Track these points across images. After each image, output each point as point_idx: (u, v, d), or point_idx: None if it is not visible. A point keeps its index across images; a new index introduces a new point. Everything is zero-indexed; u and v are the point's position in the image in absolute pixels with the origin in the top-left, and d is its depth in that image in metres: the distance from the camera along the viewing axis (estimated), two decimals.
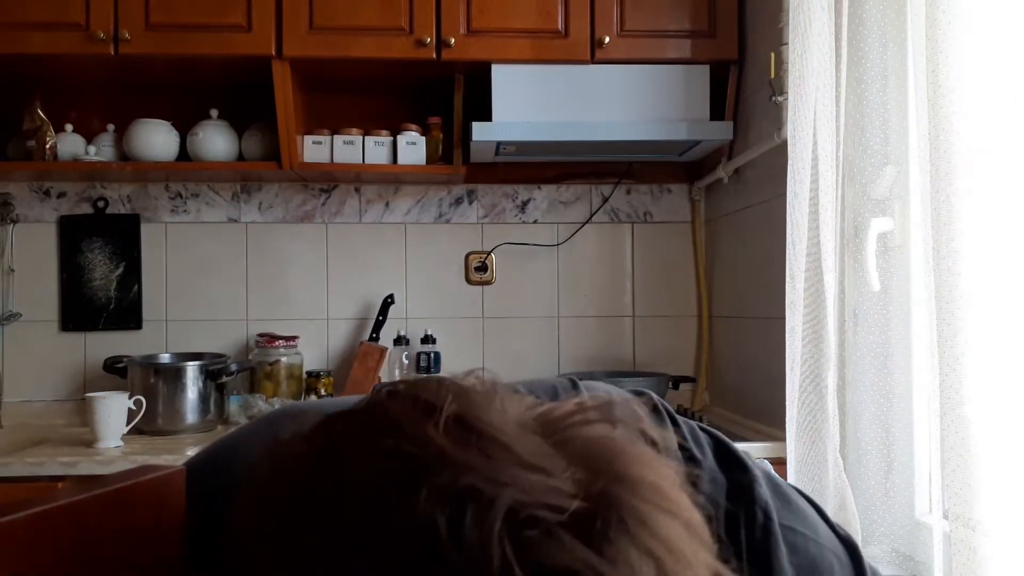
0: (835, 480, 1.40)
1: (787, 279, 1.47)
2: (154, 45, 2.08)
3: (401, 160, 2.27)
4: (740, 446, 1.66)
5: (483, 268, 2.51)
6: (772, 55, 1.86)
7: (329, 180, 2.46)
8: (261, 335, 2.39)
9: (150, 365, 2.20)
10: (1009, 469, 1.00)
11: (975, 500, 1.02)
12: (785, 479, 1.52)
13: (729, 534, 0.60)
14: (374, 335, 2.41)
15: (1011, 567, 1.00)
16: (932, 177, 1.10)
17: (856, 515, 1.37)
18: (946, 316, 1.07)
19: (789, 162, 1.49)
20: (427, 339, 2.42)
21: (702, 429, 0.67)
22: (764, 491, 0.63)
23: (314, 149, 2.27)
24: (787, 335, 1.46)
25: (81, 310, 2.42)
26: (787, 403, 1.47)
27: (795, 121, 1.46)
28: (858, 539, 1.37)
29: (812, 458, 1.43)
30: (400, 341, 2.43)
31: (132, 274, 2.43)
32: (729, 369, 2.36)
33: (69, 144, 2.28)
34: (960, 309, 1.05)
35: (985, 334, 1.03)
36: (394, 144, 2.28)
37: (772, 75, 1.85)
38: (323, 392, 2.34)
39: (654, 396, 0.66)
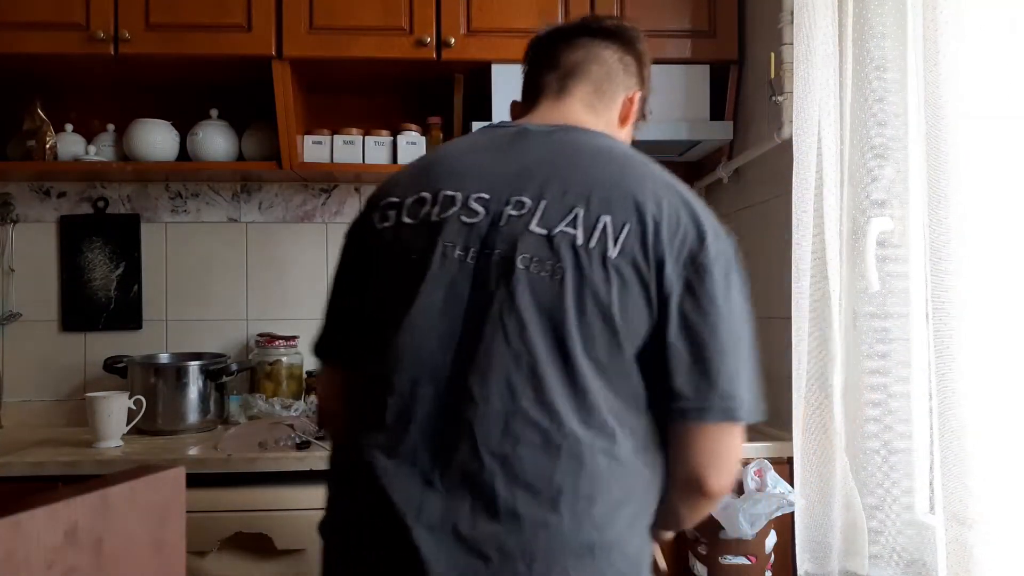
0: (842, 480, 1.40)
1: (793, 279, 1.47)
2: (154, 45, 2.08)
3: (401, 160, 2.27)
4: (743, 446, 1.65)
5: None
6: (772, 55, 1.85)
7: (329, 180, 2.46)
8: (261, 335, 2.39)
9: (150, 365, 2.20)
10: (1004, 467, 1.00)
11: (970, 498, 1.02)
12: (791, 480, 1.52)
13: None
14: None
15: (1005, 563, 1.00)
16: (930, 177, 1.10)
17: (863, 515, 1.37)
18: (943, 316, 1.07)
19: (795, 161, 1.49)
20: None
21: None
22: None
23: (314, 149, 2.27)
24: (793, 335, 1.46)
25: (81, 310, 2.42)
26: (793, 403, 1.47)
27: (800, 120, 1.46)
28: (865, 538, 1.37)
29: (820, 457, 1.43)
30: None
31: (132, 274, 2.43)
32: None
33: (69, 144, 2.28)
34: (957, 309, 1.05)
35: (982, 334, 1.03)
36: (394, 144, 2.28)
37: (772, 75, 1.85)
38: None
39: None
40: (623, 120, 1.21)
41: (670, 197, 0.97)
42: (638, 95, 1.21)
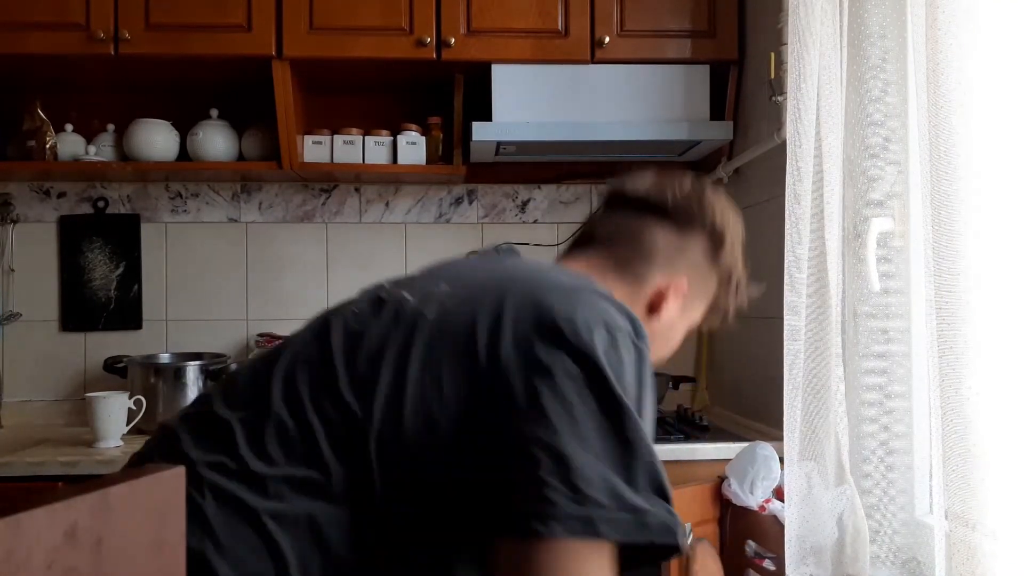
0: (837, 479, 1.40)
1: (785, 280, 1.46)
2: (154, 45, 2.08)
3: (401, 160, 2.27)
4: (740, 445, 1.65)
5: None
6: (772, 55, 1.86)
7: (329, 180, 2.46)
8: (261, 335, 2.39)
9: (150, 365, 2.20)
10: (1009, 468, 1.00)
11: (974, 499, 1.02)
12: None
13: None
14: None
15: (1011, 566, 1.00)
16: (932, 177, 1.10)
17: (864, 517, 1.37)
18: (946, 316, 1.07)
19: (788, 162, 1.49)
20: None
21: None
22: None
23: (314, 149, 2.27)
24: (785, 336, 1.46)
25: (81, 310, 2.42)
26: (784, 404, 1.47)
27: (795, 121, 1.46)
28: (866, 540, 1.37)
29: (810, 457, 1.43)
30: None
31: (132, 274, 2.43)
32: (729, 369, 2.35)
33: (69, 144, 2.28)
34: (960, 309, 1.05)
35: (985, 334, 1.03)
36: (394, 144, 2.28)
37: (772, 75, 1.85)
38: None
39: None
40: (651, 308, 0.99)
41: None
42: (681, 284, 1.00)
